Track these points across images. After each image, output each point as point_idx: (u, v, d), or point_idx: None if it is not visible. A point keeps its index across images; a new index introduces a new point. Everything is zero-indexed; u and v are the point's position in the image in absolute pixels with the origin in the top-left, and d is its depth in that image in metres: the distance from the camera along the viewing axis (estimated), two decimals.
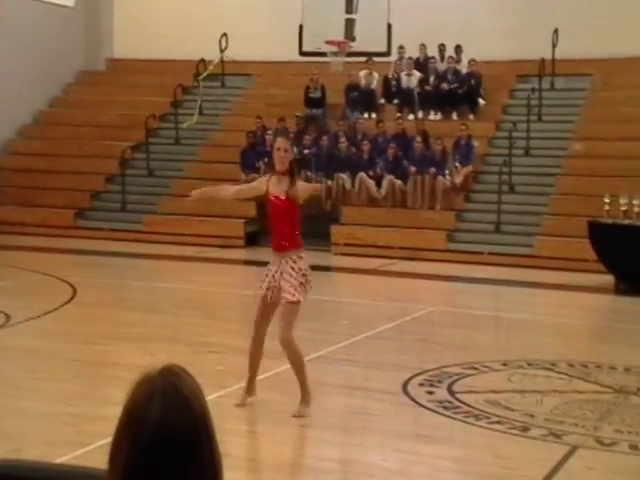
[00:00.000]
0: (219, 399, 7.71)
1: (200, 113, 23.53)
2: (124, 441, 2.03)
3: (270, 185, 8.13)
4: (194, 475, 2.02)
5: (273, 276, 7.97)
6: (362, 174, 19.89)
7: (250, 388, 8.09)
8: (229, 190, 8.95)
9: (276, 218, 8.08)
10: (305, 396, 7.97)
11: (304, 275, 7.91)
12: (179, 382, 2.07)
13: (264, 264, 11.02)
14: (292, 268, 7.88)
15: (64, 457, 6.42)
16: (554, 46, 21.17)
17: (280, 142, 8.09)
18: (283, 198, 8.02)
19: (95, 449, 6.64)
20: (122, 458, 2.02)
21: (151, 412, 2.01)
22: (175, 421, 2.01)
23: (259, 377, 9.16)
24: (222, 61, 24.22)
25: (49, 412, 8.03)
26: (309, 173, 19.91)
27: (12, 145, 24.16)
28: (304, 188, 8.37)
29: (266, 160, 20.35)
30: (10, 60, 23.25)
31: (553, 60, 21.25)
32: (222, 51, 24.08)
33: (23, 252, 18.34)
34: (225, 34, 23.89)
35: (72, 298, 13.59)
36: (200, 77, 24.11)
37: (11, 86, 23.14)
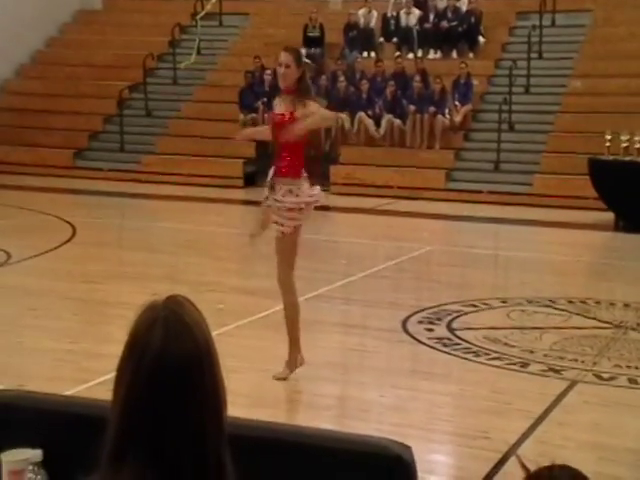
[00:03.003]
0: (219, 337, 7.70)
1: (198, 53, 23.38)
2: (127, 368, 2.04)
3: (275, 105, 7.44)
4: (196, 401, 2.03)
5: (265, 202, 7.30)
6: (361, 114, 19.80)
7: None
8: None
9: (276, 139, 7.29)
10: (291, 356, 7.44)
11: (299, 210, 7.18)
12: (182, 310, 2.09)
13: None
14: (283, 196, 7.15)
15: (66, 393, 6.44)
16: None
17: (282, 56, 7.21)
18: (286, 116, 7.20)
19: (96, 385, 6.70)
20: (125, 384, 2.04)
21: (153, 338, 2.02)
22: (177, 348, 2.02)
23: (258, 315, 9.21)
24: (220, 0, 24.00)
25: (50, 349, 8.07)
26: None
27: (10, 85, 24.04)
28: (320, 114, 7.38)
29: (265, 100, 20.27)
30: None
31: None
32: None
33: (22, 192, 18.30)
34: None
35: (72, 237, 13.60)
36: (198, 16, 23.91)
37: (8, 25, 22.91)
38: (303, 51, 20.15)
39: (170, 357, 2.01)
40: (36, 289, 10.34)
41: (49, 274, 11.29)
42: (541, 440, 6.26)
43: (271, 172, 7.31)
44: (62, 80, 23.41)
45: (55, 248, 12.72)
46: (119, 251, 13.44)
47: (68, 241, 13.31)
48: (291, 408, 7.17)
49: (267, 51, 21.60)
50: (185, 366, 2.02)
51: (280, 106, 7.34)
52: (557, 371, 7.70)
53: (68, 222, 14.71)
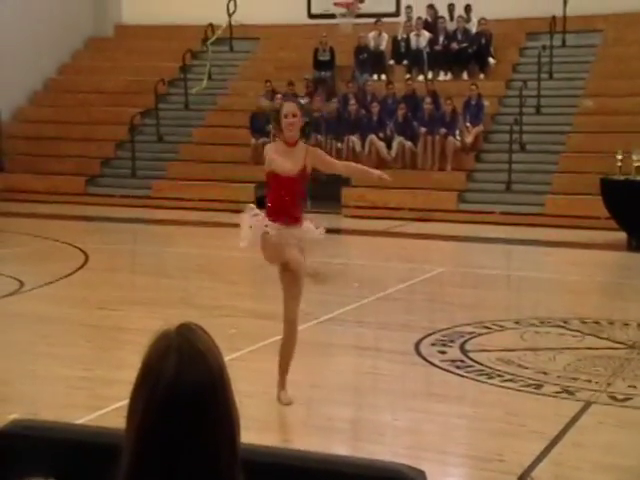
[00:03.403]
0: (231, 362, 7.69)
1: (209, 78, 23.47)
2: (141, 395, 2.05)
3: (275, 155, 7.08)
4: (210, 428, 2.04)
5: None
6: (372, 136, 19.83)
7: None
8: None
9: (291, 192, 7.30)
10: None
11: None
12: (195, 337, 2.10)
13: None
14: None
15: (80, 420, 6.44)
16: (565, 2, 20.97)
17: (288, 107, 7.02)
18: (297, 171, 7.09)
19: (110, 412, 6.68)
20: (139, 412, 2.04)
21: (167, 366, 2.03)
22: (190, 374, 2.03)
23: (271, 339, 9.18)
24: (230, 25, 24.11)
25: (63, 376, 8.07)
26: (319, 136, 19.89)
27: (23, 112, 24.15)
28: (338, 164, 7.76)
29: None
30: (19, 27, 23.23)
31: (564, 17, 21.06)
32: (230, 15, 23.96)
33: (35, 219, 18.38)
34: None
35: (84, 264, 13.64)
36: (209, 42, 24.02)
37: (21, 53, 23.13)
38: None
39: (184, 384, 2.02)
40: (49, 316, 10.35)
41: (62, 301, 11.31)
42: (556, 462, 6.23)
43: None
44: (74, 107, 23.52)
45: (68, 275, 12.75)
46: (131, 277, 13.46)
47: (80, 268, 13.34)
48: (304, 432, 7.14)
49: (278, 75, 21.70)
50: (199, 393, 2.03)
51: (284, 161, 7.04)
52: (571, 392, 7.67)
53: (80, 249, 14.75)
